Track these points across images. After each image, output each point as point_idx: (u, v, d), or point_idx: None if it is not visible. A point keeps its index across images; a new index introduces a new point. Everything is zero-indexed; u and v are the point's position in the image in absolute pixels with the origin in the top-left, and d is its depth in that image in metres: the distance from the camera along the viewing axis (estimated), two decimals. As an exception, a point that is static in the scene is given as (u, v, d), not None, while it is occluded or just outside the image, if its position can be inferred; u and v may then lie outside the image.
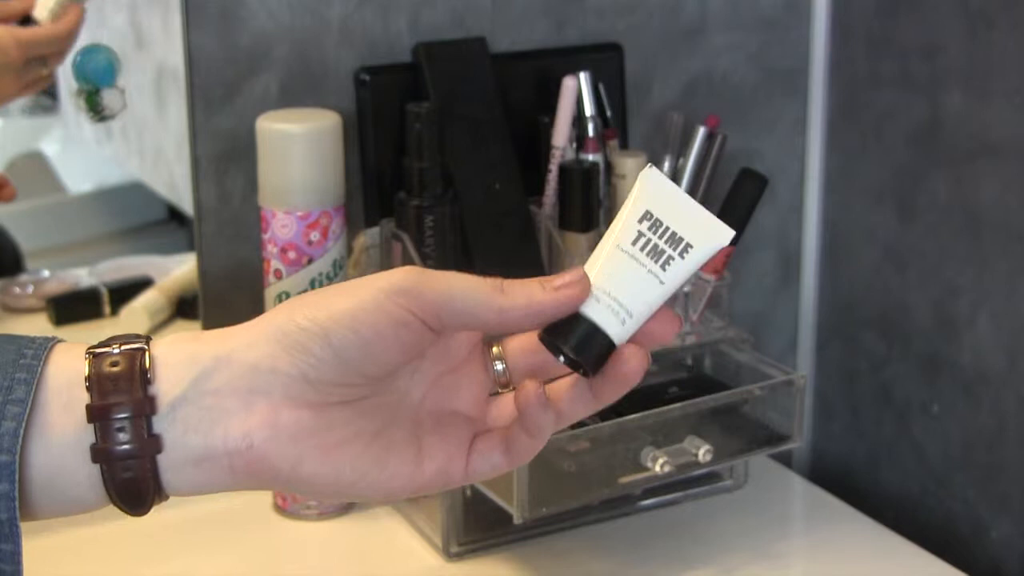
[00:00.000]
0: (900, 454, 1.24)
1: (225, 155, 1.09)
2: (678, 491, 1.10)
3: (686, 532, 1.06)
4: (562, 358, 0.60)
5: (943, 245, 1.17)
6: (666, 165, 1.13)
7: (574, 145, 1.10)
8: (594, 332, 0.58)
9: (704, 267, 1.11)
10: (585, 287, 0.58)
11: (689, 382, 1.09)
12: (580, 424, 0.97)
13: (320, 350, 0.56)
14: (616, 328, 0.59)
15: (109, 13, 1.08)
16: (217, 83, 1.08)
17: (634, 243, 0.59)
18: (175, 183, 1.18)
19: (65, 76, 1.07)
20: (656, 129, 1.20)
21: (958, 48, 1.13)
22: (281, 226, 1.02)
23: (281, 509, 1.08)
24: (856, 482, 1.28)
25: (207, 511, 1.09)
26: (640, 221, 0.60)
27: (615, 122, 1.15)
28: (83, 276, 1.23)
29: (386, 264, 1.07)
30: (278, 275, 1.03)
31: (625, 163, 1.09)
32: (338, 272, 1.04)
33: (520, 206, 1.10)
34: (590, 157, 1.09)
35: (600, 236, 1.01)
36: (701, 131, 1.11)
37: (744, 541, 1.06)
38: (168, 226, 1.27)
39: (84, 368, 0.57)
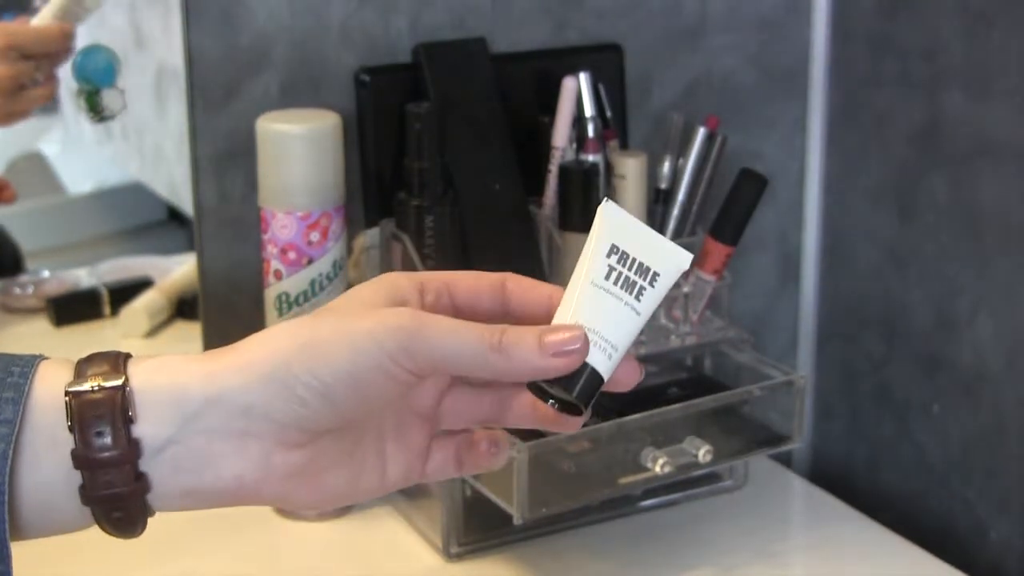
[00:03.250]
0: (900, 454, 1.24)
1: (225, 155, 1.09)
2: (678, 491, 1.10)
3: (686, 532, 1.06)
4: (552, 402, 0.60)
5: (943, 245, 1.17)
6: (666, 165, 1.13)
7: (574, 145, 1.10)
8: (590, 375, 0.59)
9: (704, 267, 1.11)
10: (584, 351, 0.57)
11: (689, 382, 1.09)
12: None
13: (319, 405, 0.56)
14: (605, 364, 0.59)
15: (109, 13, 1.08)
16: (217, 83, 1.08)
17: (607, 278, 0.60)
18: (175, 183, 1.18)
19: (65, 76, 1.07)
20: (656, 129, 1.20)
21: (958, 48, 1.13)
22: (281, 226, 1.02)
23: (281, 509, 1.08)
24: (856, 482, 1.28)
25: (207, 511, 1.09)
26: (608, 255, 0.60)
27: (615, 122, 1.15)
28: (83, 276, 1.23)
29: (386, 264, 1.07)
30: (278, 275, 1.03)
31: (625, 163, 1.10)
32: (338, 272, 1.04)
33: (520, 206, 1.10)
34: (590, 157, 1.09)
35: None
36: (701, 131, 1.11)
37: (744, 541, 1.06)
38: (168, 226, 1.27)
39: (64, 406, 0.55)
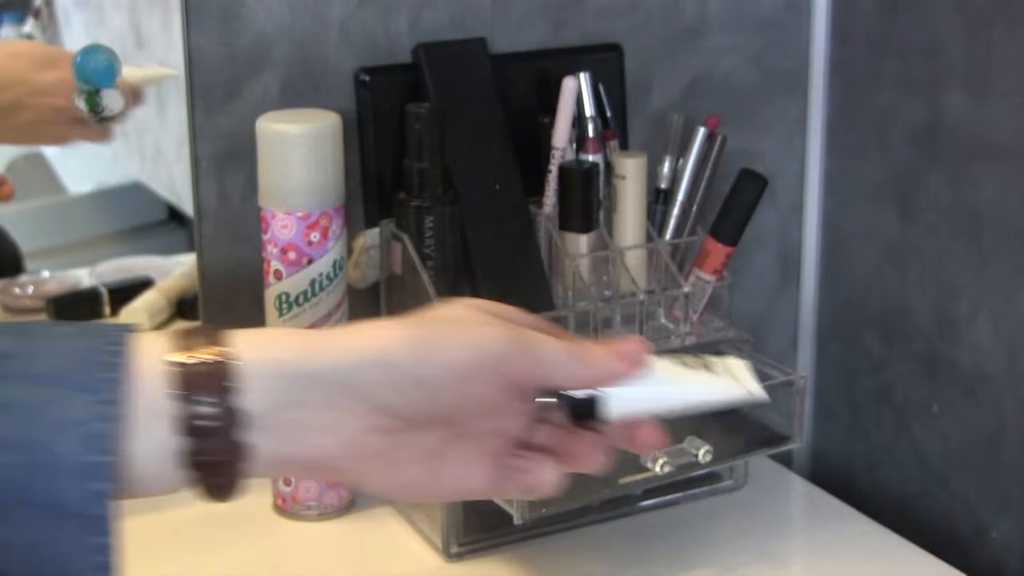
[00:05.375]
0: (900, 454, 1.24)
1: (225, 155, 1.09)
2: (678, 491, 1.10)
3: (686, 532, 1.06)
4: (560, 402, 0.65)
5: (943, 245, 1.17)
6: (666, 165, 1.13)
7: (574, 145, 1.10)
8: (599, 400, 0.64)
9: (704, 267, 1.11)
10: (642, 360, 0.64)
11: (689, 382, 1.09)
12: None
13: (420, 395, 0.60)
14: (620, 404, 0.65)
15: (109, 13, 1.08)
16: (217, 83, 1.08)
17: (680, 363, 0.68)
18: (175, 183, 1.18)
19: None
20: (656, 129, 1.20)
21: (958, 48, 1.13)
22: (281, 227, 1.02)
23: (281, 509, 1.08)
24: (856, 482, 1.28)
25: (207, 511, 1.08)
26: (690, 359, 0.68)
27: (615, 123, 1.15)
28: (83, 276, 1.23)
29: (386, 264, 1.07)
30: (278, 276, 1.03)
31: (625, 163, 1.09)
32: (338, 272, 1.04)
33: (520, 206, 1.10)
34: (590, 158, 1.09)
35: (600, 236, 1.01)
36: (701, 131, 1.11)
37: (744, 541, 1.06)
38: (168, 226, 1.27)
39: (167, 375, 0.58)
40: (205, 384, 0.57)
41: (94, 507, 0.56)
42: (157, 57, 1.09)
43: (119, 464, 0.56)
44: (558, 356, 0.63)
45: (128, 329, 0.59)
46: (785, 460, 1.22)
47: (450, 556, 1.02)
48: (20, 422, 0.55)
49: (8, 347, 0.57)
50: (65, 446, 0.55)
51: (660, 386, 0.65)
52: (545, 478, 0.65)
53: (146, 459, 0.58)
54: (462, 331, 0.61)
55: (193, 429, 0.57)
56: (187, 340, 0.59)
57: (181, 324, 1.20)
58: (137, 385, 0.57)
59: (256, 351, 0.59)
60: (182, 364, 0.58)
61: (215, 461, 0.58)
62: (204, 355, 0.58)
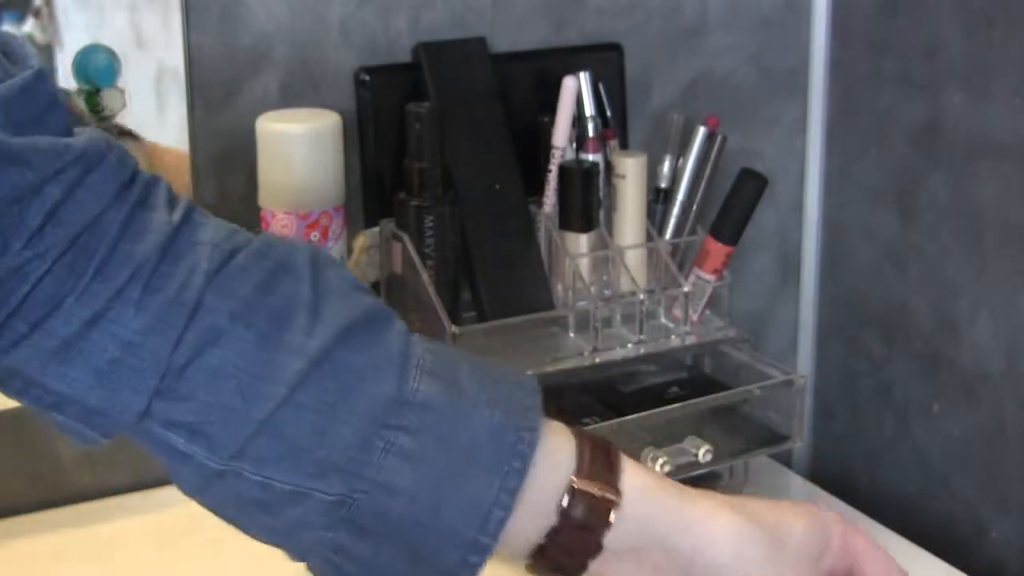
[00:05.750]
0: (900, 454, 1.24)
1: (225, 155, 1.09)
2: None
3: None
4: None
5: (943, 245, 1.17)
6: (666, 165, 1.13)
7: (574, 145, 1.10)
8: None
9: (704, 267, 1.11)
10: None
11: (689, 382, 1.09)
12: (580, 423, 0.97)
13: None
14: None
15: (109, 13, 1.08)
16: (217, 83, 1.08)
17: None
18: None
19: (65, 76, 1.07)
20: (656, 129, 1.20)
21: (958, 48, 1.13)
22: (281, 226, 1.02)
23: (281, 509, 1.08)
24: (856, 482, 1.28)
25: (207, 511, 1.09)
26: None
27: (615, 122, 1.15)
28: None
29: (386, 264, 1.07)
30: (278, 275, 1.03)
31: (625, 163, 1.09)
32: (338, 272, 1.04)
33: (520, 206, 1.10)
34: (590, 157, 1.09)
35: (600, 236, 1.01)
36: (701, 131, 1.12)
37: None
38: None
39: (562, 490, 0.62)
40: (589, 520, 0.62)
41: (461, 573, 0.61)
42: (157, 57, 1.09)
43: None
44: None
45: (536, 406, 0.63)
46: (785, 460, 1.22)
47: (450, 556, 1.02)
48: (431, 483, 0.60)
49: (441, 400, 0.61)
50: (463, 521, 0.60)
51: None
52: None
53: (510, 540, 0.62)
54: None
55: (559, 545, 0.62)
56: (590, 464, 0.63)
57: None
58: (534, 483, 0.61)
59: (638, 497, 0.63)
60: (581, 493, 0.62)
61: (558, 567, 0.63)
62: (598, 491, 0.62)
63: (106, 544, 1.04)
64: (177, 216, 0.62)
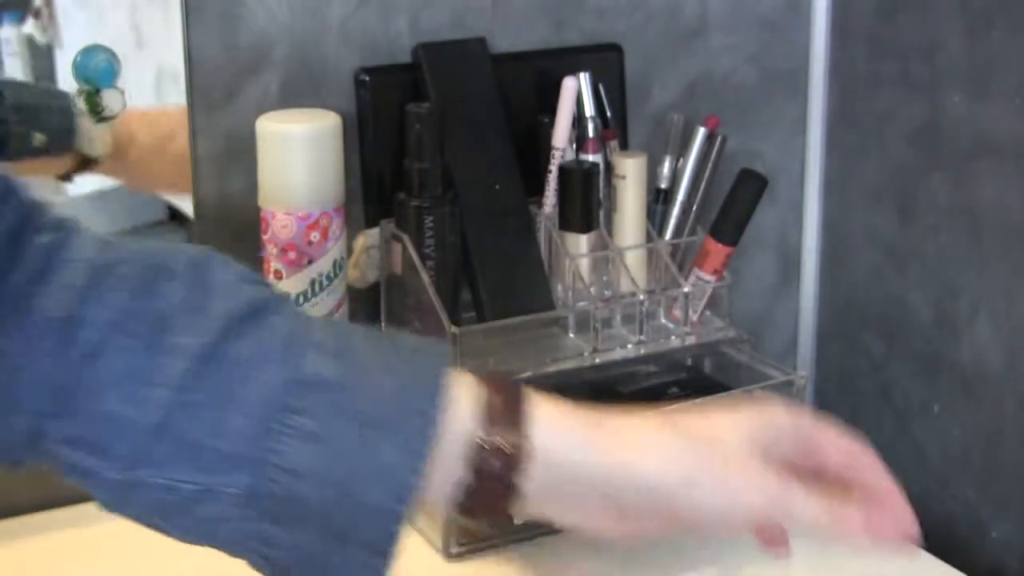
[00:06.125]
0: (900, 454, 1.24)
1: (225, 155, 1.09)
2: (678, 491, 1.10)
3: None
4: None
5: (943, 245, 1.17)
6: (666, 165, 1.13)
7: (574, 145, 1.10)
8: None
9: (704, 267, 1.11)
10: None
11: (689, 382, 1.09)
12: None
13: (664, 523, 0.67)
14: None
15: (109, 13, 1.08)
16: (217, 83, 1.08)
17: None
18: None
19: (65, 76, 1.07)
20: (656, 130, 1.20)
21: (958, 48, 1.13)
22: (281, 226, 1.02)
23: (281, 509, 1.08)
24: (856, 482, 1.28)
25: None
26: None
27: (615, 123, 1.15)
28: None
29: (386, 265, 1.07)
30: (278, 275, 1.03)
31: (625, 163, 1.10)
32: (338, 272, 1.04)
33: (520, 206, 1.10)
34: (590, 158, 1.09)
35: (600, 236, 1.01)
36: (701, 132, 1.12)
37: (744, 541, 1.06)
38: (168, 226, 1.27)
39: (467, 447, 0.62)
40: (497, 469, 0.63)
41: (385, 544, 0.61)
42: (157, 57, 1.09)
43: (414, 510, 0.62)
44: (813, 521, 0.72)
45: (442, 367, 0.63)
46: (785, 460, 1.21)
47: (450, 556, 1.02)
48: (339, 460, 0.60)
49: (337, 375, 0.61)
50: (378, 493, 0.60)
51: None
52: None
53: (429, 501, 0.63)
54: (726, 488, 0.67)
55: (473, 494, 0.63)
56: (501, 412, 0.63)
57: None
58: (442, 443, 0.62)
59: (547, 441, 0.64)
60: (484, 446, 0.62)
61: (478, 509, 0.64)
62: (507, 443, 0.63)
63: (106, 544, 1.04)
64: (47, 238, 0.62)
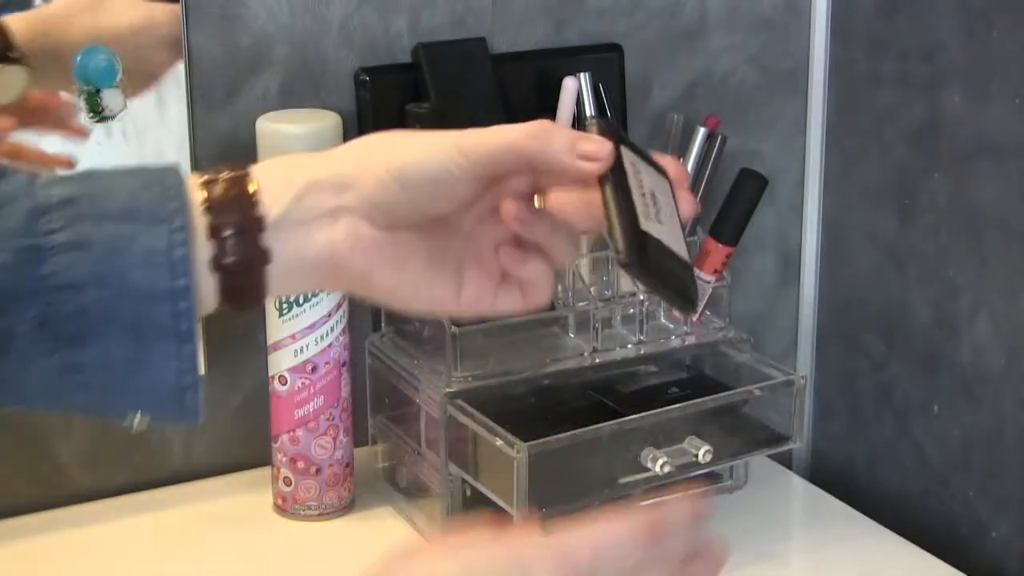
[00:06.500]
0: (900, 454, 1.24)
1: (225, 155, 1.09)
2: (678, 491, 1.10)
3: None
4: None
5: (943, 245, 1.17)
6: (666, 165, 1.13)
7: (574, 145, 1.10)
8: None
9: (704, 267, 1.11)
10: (606, 165, 0.65)
11: (689, 382, 1.09)
12: (581, 425, 0.97)
13: (396, 187, 0.65)
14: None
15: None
16: (217, 83, 1.08)
17: None
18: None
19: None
20: (656, 129, 1.20)
21: (958, 48, 1.13)
22: (281, 226, 1.02)
23: (281, 509, 1.08)
24: (856, 482, 1.28)
25: (207, 511, 1.09)
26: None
27: (615, 122, 1.15)
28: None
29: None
30: (278, 275, 1.03)
31: (625, 163, 1.09)
32: (338, 272, 1.04)
33: (520, 206, 1.09)
34: (590, 157, 1.09)
35: (600, 236, 1.01)
36: (701, 131, 1.12)
37: (744, 541, 1.06)
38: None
39: (200, 195, 0.64)
40: (230, 196, 0.64)
41: (181, 324, 0.63)
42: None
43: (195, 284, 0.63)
44: (509, 133, 0.70)
45: (172, 167, 0.66)
46: (785, 460, 1.22)
47: (450, 556, 1.01)
48: (105, 258, 0.62)
49: (75, 191, 0.63)
50: (153, 275, 0.62)
51: None
52: (538, 272, 0.69)
53: (199, 280, 0.64)
54: (425, 135, 0.68)
55: (219, 236, 0.64)
56: (213, 172, 0.66)
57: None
58: (190, 216, 0.63)
59: (267, 170, 0.66)
60: (210, 181, 0.65)
61: (237, 261, 0.64)
62: (228, 172, 0.65)
63: (106, 544, 1.04)
64: None
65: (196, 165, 1.08)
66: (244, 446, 1.13)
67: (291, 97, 1.09)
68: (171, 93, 1.08)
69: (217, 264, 0.64)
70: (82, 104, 1.03)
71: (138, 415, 0.66)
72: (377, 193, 0.65)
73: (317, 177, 0.66)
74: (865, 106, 1.23)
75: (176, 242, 0.63)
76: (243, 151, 1.07)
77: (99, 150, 1.22)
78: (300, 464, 1.06)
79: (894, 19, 1.19)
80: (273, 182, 0.66)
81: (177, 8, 1.05)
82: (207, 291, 0.64)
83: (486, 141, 0.69)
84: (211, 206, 0.64)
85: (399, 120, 1.06)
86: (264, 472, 1.10)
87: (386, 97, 1.09)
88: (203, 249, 0.64)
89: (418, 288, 0.68)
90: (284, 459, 1.06)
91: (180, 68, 1.07)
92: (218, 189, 0.65)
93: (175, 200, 0.63)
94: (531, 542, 0.63)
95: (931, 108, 1.16)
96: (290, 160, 0.68)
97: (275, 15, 1.08)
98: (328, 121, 1.04)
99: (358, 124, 1.10)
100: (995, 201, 1.11)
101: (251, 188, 0.65)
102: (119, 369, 0.63)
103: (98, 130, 1.07)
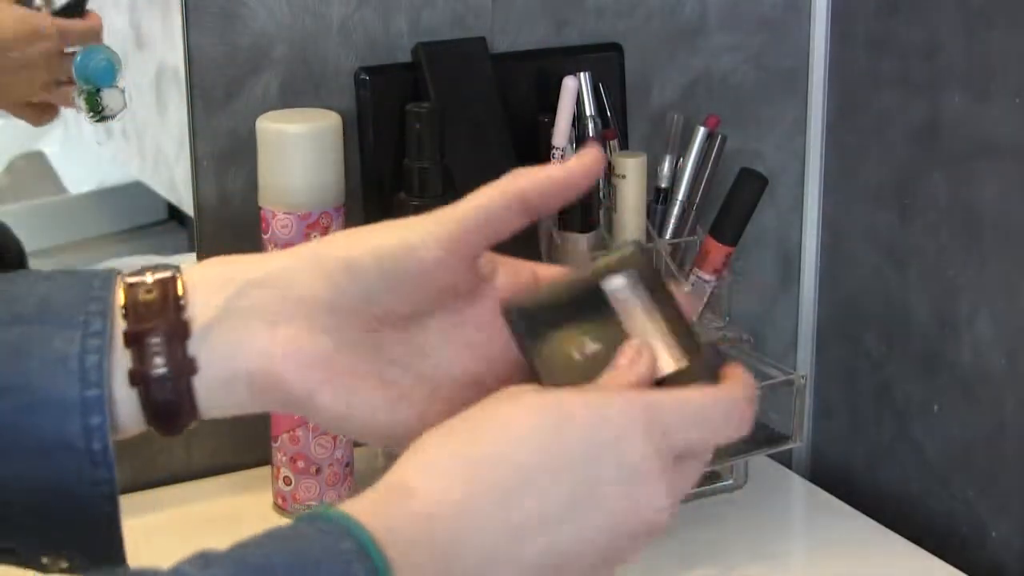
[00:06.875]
0: (900, 454, 1.24)
1: (225, 155, 1.09)
2: (678, 491, 1.10)
3: (686, 532, 1.06)
4: None
5: (943, 245, 1.17)
6: (666, 165, 1.13)
7: (574, 145, 1.10)
8: None
9: (704, 267, 1.11)
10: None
11: (689, 382, 1.09)
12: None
13: (347, 282, 0.58)
14: None
15: (109, 13, 1.08)
16: (217, 83, 1.08)
17: None
18: (175, 183, 1.18)
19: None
20: (656, 129, 1.20)
21: (958, 48, 1.13)
22: (281, 226, 1.02)
23: (281, 509, 1.08)
24: (856, 482, 1.28)
25: (207, 511, 1.09)
26: None
27: (615, 122, 1.15)
28: (83, 276, 1.22)
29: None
30: (278, 275, 1.03)
31: (625, 163, 1.09)
32: (338, 272, 1.04)
33: (520, 206, 1.10)
34: (590, 157, 1.09)
35: (600, 236, 1.02)
36: (701, 131, 1.12)
37: (744, 541, 1.06)
38: (168, 226, 1.27)
39: (120, 298, 0.57)
40: (150, 299, 0.57)
41: (96, 442, 0.56)
42: (157, 57, 1.09)
43: (110, 397, 0.56)
44: (490, 195, 0.66)
45: (116, 271, 0.60)
46: (785, 460, 1.22)
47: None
48: (9, 361, 0.55)
49: None
50: (61, 382, 0.55)
51: None
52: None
53: (116, 396, 0.57)
54: (389, 223, 0.62)
55: (139, 343, 0.57)
56: (136, 272, 0.59)
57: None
58: (115, 320, 0.57)
59: (199, 269, 0.59)
60: (133, 284, 0.58)
61: (161, 375, 0.57)
62: (148, 275, 0.59)
63: (106, 544, 1.04)
64: None
65: (196, 165, 1.08)
66: (244, 446, 1.13)
67: (291, 97, 1.09)
68: (171, 93, 1.08)
69: (137, 375, 0.56)
70: (82, 104, 1.03)
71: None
72: (325, 289, 0.58)
73: (256, 275, 0.58)
74: (865, 106, 1.23)
75: (90, 348, 0.55)
76: (243, 151, 1.07)
77: (99, 150, 1.23)
78: (300, 463, 1.06)
79: (894, 19, 1.19)
80: (206, 282, 0.58)
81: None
82: (128, 408, 0.57)
83: (463, 205, 0.63)
84: (130, 311, 0.57)
85: (399, 120, 1.06)
86: (264, 472, 1.10)
87: (386, 97, 1.09)
88: (121, 358, 0.56)
89: (374, 413, 0.58)
90: (284, 458, 1.06)
91: (180, 68, 1.07)
92: (140, 292, 0.57)
93: (96, 303, 0.57)
94: (625, 399, 0.57)
95: (931, 108, 1.16)
96: (232, 258, 0.60)
97: (275, 15, 1.08)
98: (328, 121, 1.04)
99: (358, 124, 1.10)
100: (995, 201, 1.11)
101: (178, 290, 0.57)
102: (23, 493, 0.56)
103: (98, 130, 1.07)
